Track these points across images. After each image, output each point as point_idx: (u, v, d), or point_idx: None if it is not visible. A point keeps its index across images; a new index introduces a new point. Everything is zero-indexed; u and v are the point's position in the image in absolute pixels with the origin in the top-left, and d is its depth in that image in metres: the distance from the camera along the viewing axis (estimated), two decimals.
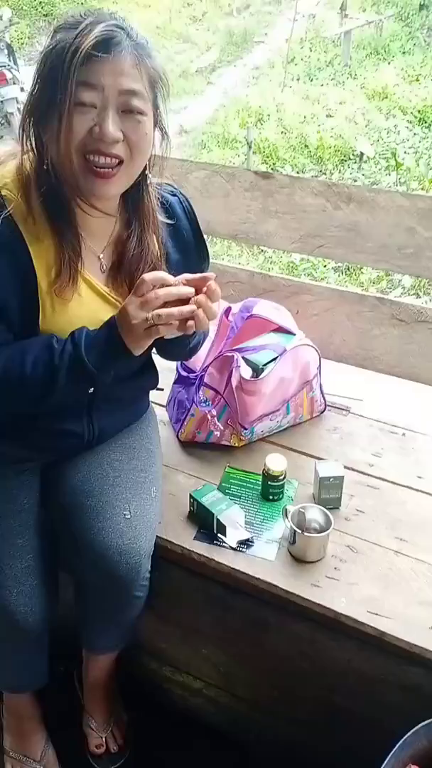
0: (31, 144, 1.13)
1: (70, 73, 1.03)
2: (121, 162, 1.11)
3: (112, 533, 1.28)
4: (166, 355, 1.44)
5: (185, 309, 1.10)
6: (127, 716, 1.62)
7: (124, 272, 1.26)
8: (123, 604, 1.36)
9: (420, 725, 1.16)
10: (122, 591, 1.32)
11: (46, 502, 1.39)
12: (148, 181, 1.23)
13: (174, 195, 1.33)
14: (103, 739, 1.56)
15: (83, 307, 1.22)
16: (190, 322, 1.11)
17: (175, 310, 1.09)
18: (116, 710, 1.60)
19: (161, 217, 1.27)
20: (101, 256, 1.25)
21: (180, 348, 1.35)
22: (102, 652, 1.51)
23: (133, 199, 1.23)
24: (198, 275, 1.14)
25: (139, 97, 1.08)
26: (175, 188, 1.35)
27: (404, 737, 1.14)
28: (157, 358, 1.47)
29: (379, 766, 1.11)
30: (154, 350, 1.40)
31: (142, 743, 1.59)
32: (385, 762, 1.12)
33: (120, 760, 1.56)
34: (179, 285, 1.11)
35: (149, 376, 1.47)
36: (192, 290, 1.11)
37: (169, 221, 1.29)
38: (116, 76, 1.05)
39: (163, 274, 1.11)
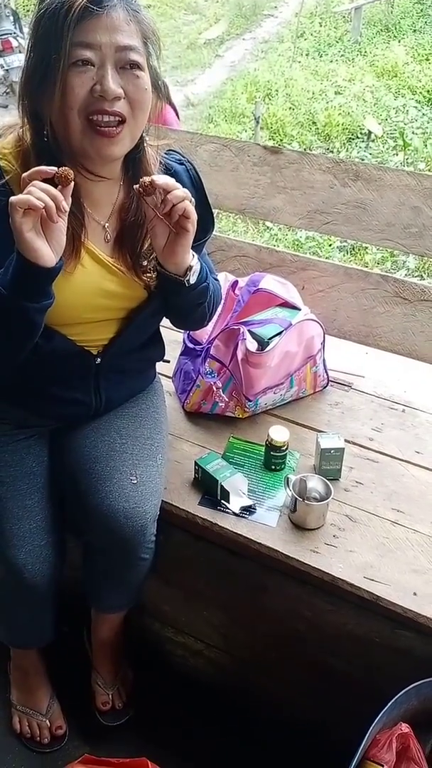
0: (28, 115, 1.12)
1: (64, 33, 1.02)
2: (123, 121, 1.09)
3: (118, 497, 1.31)
4: (176, 319, 1.43)
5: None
6: (132, 675, 1.66)
7: (126, 241, 1.25)
8: (129, 565, 1.40)
9: (411, 686, 1.20)
10: (128, 553, 1.36)
11: (55, 466, 1.43)
12: (145, 144, 1.21)
13: (181, 164, 1.32)
14: (110, 696, 1.60)
15: (87, 277, 1.22)
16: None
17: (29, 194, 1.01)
18: (123, 669, 1.64)
19: None
20: (106, 225, 1.24)
21: (188, 307, 1.32)
22: (109, 611, 1.55)
23: (133, 163, 1.22)
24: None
25: (135, 52, 1.07)
26: (182, 156, 1.33)
27: (396, 697, 1.18)
28: (164, 331, 1.49)
29: (371, 725, 1.15)
30: (165, 320, 1.42)
31: (143, 702, 1.64)
32: (377, 720, 1.16)
33: (125, 717, 1.60)
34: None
35: (156, 348, 1.50)
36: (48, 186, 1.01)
37: None
38: (111, 32, 1.04)
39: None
